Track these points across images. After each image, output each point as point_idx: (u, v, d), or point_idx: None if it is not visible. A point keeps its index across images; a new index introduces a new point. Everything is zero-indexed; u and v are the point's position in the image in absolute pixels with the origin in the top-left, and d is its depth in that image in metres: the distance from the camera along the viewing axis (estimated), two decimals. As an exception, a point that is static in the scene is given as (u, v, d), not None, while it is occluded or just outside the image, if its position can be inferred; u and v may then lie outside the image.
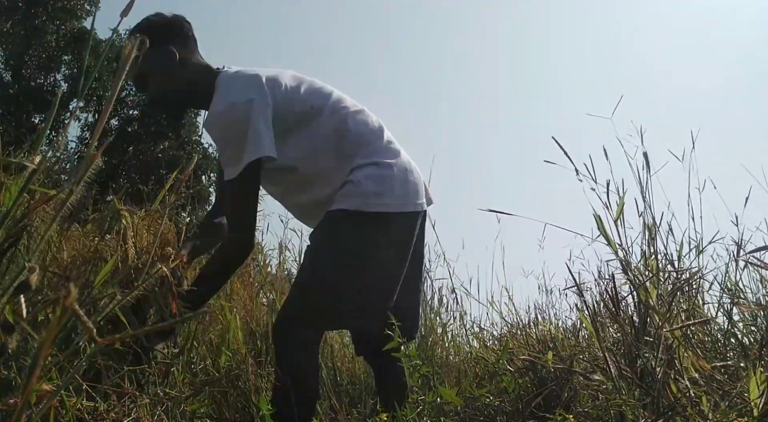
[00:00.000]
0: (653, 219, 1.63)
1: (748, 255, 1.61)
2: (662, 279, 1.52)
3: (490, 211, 1.63)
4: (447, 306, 2.84)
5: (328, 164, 1.63)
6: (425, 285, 2.78)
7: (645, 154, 1.65)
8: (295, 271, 2.66)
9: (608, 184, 1.58)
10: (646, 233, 1.62)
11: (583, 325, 2.09)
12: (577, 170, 1.60)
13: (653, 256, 1.58)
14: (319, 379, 1.65)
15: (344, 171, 1.61)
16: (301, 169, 1.64)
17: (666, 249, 1.70)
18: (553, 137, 1.59)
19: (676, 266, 1.66)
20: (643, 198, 1.64)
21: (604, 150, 1.68)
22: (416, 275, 1.80)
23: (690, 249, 1.71)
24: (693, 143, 1.74)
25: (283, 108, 1.58)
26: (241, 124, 1.49)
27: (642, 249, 1.62)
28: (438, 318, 2.77)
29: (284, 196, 1.83)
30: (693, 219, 1.73)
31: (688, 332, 1.51)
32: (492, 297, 2.87)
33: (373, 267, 1.59)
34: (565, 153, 1.60)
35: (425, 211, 1.77)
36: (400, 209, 1.62)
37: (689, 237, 1.73)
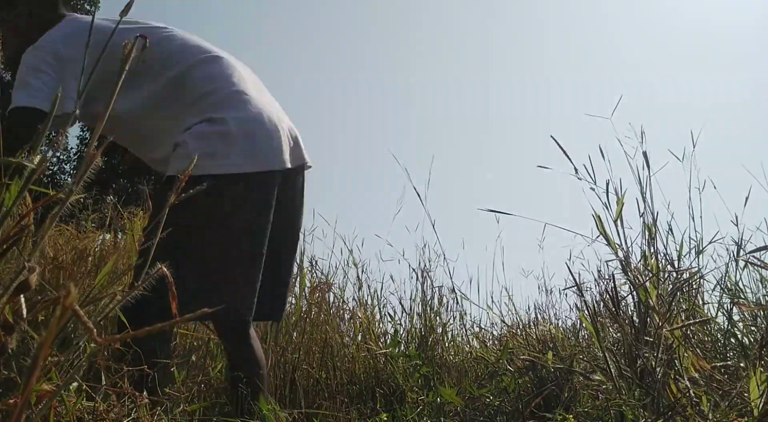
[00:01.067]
0: (653, 219, 1.63)
1: (748, 255, 1.61)
2: (662, 279, 1.52)
3: (490, 210, 1.63)
4: (447, 306, 2.84)
5: (159, 123, 1.46)
6: (425, 284, 2.79)
7: (644, 154, 1.65)
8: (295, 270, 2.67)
9: (608, 185, 1.58)
10: (646, 233, 1.62)
11: (583, 325, 2.09)
12: (576, 170, 1.60)
13: (653, 256, 1.58)
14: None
15: (177, 131, 1.42)
16: (132, 127, 1.48)
17: (666, 249, 1.70)
18: (552, 136, 1.59)
19: (676, 266, 1.66)
20: (643, 198, 1.64)
21: (601, 149, 1.67)
22: (287, 244, 1.57)
23: (690, 250, 1.71)
24: (693, 143, 1.74)
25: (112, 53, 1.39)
26: (26, 65, 1.38)
27: (642, 249, 1.62)
28: (438, 318, 2.77)
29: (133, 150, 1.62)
30: (693, 219, 1.73)
31: (688, 332, 1.51)
32: (492, 297, 2.88)
33: (212, 241, 1.37)
34: (565, 153, 1.60)
35: (296, 168, 1.55)
36: (240, 169, 1.38)
37: (689, 237, 1.73)
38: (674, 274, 1.60)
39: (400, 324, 2.78)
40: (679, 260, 1.67)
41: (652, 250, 1.60)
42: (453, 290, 2.79)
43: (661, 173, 1.70)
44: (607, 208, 1.59)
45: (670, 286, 1.52)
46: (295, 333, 2.39)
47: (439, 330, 2.73)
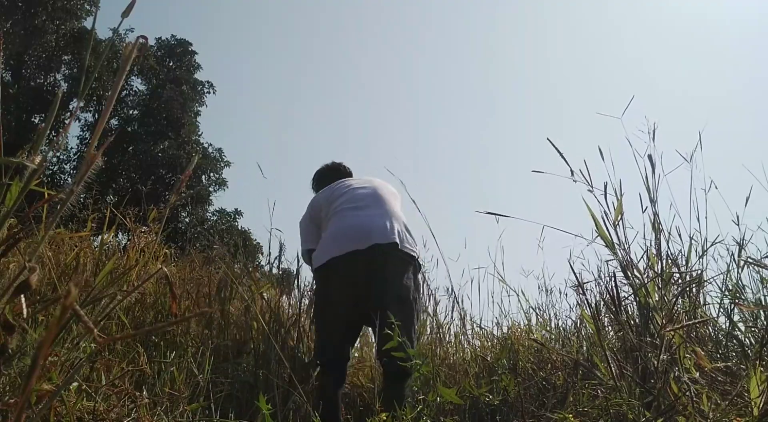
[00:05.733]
0: (658, 221, 1.62)
1: (747, 258, 1.61)
2: (665, 280, 1.51)
3: (488, 213, 1.63)
4: (446, 307, 2.83)
5: None
6: (425, 284, 2.78)
7: (650, 157, 1.64)
8: (293, 270, 2.69)
9: (605, 187, 1.57)
10: (651, 235, 1.61)
11: (584, 324, 2.09)
12: (572, 172, 1.59)
13: (658, 258, 1.57)
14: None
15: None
16: None
17: (669, 249, 1.69)
18: (548, 139, 1.58)
19: (682, 268, 1.65)
20: (651, 201, 1.63)
21: (600, 150, 1.66)
22: (376, 309, 1.99)
23: (691, 249, 1.70)
24: (700, 143, 1.72)
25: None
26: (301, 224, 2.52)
27: (644, 250, 1.61)
28: (438, 318, 2.76)
29: None
30: (699, 220, 1.71)
31: (691, 332, 1.51)
32: (492, 297, 2.87)
33: (318, 309, 2.22)
34: (562, 156, 1.59)
35: (376, 246, 2.09)
36: (327, 257, 2.11)
37: (690, 237, 1.71)
38: (680, 276, 1.60)
39: (400, 324, 2.77)
40: (687, 263, 1.66)
41: (656, 251, 1.59)
42: (453, 290, 2.79)
43: (663, 171, 1.68)
44: (606, 211, 1.57)
45: (676, 287, 1.52)
46: (295, 333, 2.39)
47: (439, 330, 2.72)
